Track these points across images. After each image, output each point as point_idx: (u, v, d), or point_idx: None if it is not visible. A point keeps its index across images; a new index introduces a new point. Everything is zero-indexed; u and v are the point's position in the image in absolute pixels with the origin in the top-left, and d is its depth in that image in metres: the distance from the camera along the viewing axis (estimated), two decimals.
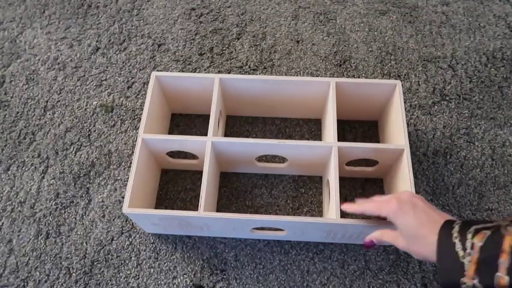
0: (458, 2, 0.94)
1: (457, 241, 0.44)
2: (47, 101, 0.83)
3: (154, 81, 0.69)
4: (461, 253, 0.43)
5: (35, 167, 0.76)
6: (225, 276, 0.67)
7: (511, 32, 0.90)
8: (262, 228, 0.66)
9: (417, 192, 0.72)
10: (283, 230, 0.65)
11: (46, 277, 0.67)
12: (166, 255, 0.68)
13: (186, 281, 0.66)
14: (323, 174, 0.73)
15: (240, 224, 0.61)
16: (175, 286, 0.66)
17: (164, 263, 0.68)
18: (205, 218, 0.59)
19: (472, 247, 0.42)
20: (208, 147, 0.63)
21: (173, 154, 0.75)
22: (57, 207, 0.73)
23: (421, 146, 0.77)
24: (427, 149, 0.76)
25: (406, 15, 0.93)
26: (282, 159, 0.75)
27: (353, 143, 0.64)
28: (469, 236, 0.43)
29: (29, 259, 0.69)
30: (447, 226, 0.46)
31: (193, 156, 0.74)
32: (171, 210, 0.60)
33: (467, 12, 0.93)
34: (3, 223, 0.72)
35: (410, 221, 0.49)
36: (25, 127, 0.81)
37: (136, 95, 0.84)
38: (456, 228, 0.45)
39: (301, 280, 0.66)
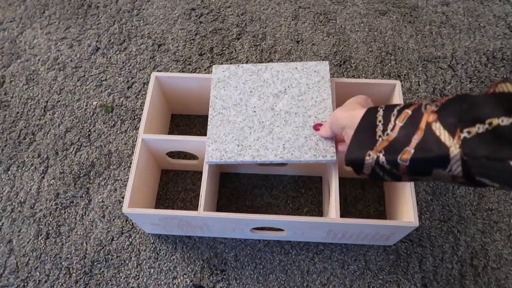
0: (458, 2, 0.94)
1: (380, 124, 0.44)
2: (47, 101, 0.83)
3: (154, 82, 0.69)
4: (379, 133, 0.43)
5: (35, 167, 0.76)
6: (225, 277, 0.67)
7: (511, 32, 0.90)
8: (262, 228, 0.66)
9: (417, 192, 0.72)
10: (283, 230, 0.65)
11: (46, 277, 0.67)
12: (166, 255, 0.68)
13: (186, 281, 0.66)
14: (323, 174, 0.73)
15: (240, 224, 0.61)
16: (175, 286, 0.66)
17: (164, 263, 0.68)
18: (205, 218, 0.59)
19: (393, 128, 0.42)
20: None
21: (173, 154, 0.76)
22: (57, 208, 0.73)
23: None
24: None
25: (406, 15, 0.93)
26: None
27: None
28: (393, 118, 0.43)
29: (29, 259, 0.69)
30: (372, 110, 0.46)
31: (193, 156, 0.74)
32: (171, 210, 0.60)
33: (467, 12, 0.93)
34: (3, 223, 0.72)
35: (339, 114, 0.50)
36: (25, 127, 0.81)
37: (136, 95, 0.83)
38: (380, 112, 0.44)
39: (301, 280, 0.66)
